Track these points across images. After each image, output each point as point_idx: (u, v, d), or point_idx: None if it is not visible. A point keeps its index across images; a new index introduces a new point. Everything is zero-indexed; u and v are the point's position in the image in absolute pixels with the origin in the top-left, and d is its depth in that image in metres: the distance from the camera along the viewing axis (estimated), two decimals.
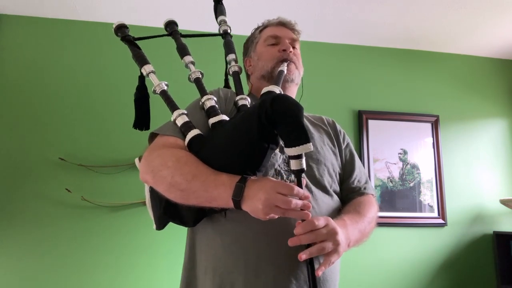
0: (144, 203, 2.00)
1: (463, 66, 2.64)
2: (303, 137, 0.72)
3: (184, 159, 0.81)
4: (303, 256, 0.75)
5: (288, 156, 0.75)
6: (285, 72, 0.99)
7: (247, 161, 0.78)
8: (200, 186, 0.76)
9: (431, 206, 2.38)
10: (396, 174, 2.39)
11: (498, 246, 2.34)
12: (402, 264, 2.26)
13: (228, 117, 0.90)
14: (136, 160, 0.92)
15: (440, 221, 2.35)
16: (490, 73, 2.66)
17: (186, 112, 0.90)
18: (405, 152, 2.43)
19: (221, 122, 0.87)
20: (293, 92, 1.07)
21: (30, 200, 1.98)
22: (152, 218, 0.93)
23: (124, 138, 2.07)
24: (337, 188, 1.00)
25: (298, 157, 0.74)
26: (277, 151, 0.90)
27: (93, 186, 2.03)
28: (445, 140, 2.49)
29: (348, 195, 1.02)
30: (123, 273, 1.98)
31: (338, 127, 1.12)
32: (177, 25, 1.07)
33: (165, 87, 0.95)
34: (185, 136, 0.86)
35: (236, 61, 1.05)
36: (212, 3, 1.15)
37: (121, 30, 1.02)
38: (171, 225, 0.93)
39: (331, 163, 1.00)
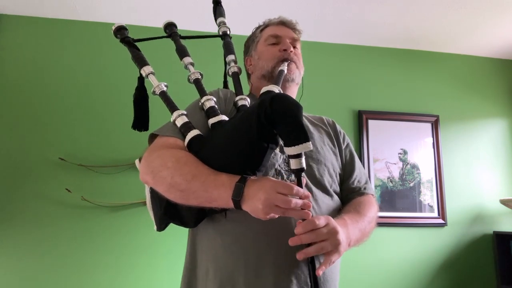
0: (144, 203, 2.00)
1: (463, 66, 2.64)
2: (302, 136, 0.72)
3: (184, 159, 0.81)
4: (300, 255, 0.75)
5: (288, 155, 0.75)
6: (286, 71, 0.99)
7: (247, 161, 0.78)
8: (200, 187, 0.76)
9: (431, 206, 2.38)
10: (396, 174, 2.39)
11: (498, 246, 2.34)
12: (402, 264, 2.26)
13: (228, 117, 0.90)
14: (137, 161, 0.92)
15: (440, 221, 2.35)
16: (490, 73, 2.66)
17: (185, 112, 0.91)
18: (405, 152, 2.43)
19: (220, 122, 0.87)
20: (293, 91, 1.07)
21: (30, 200, 1.98)
22: (153, 219, 0.93)
23: (124, 138, 2.07)
24: (337, 188, 1.00)
25: (298, 156, 0.74)
26: (277, 151, 0.90)
27: (93, 186, 2.03)
28: (445, 140, 2.49)
29: (348, 195, 1.02)
30: (123, 273, 1.98)
31: (338, 127, 1.12)
32: (176, 27, 1.07)
33: (165, 88, 0.95)
34: (184, 137, 0.86)
35: (235, 62, 1.05)
36: (212, 4, 1.15)
37: (120, 31, 1.02)
38: (171, 225, 0.93)
39: (331, 163, 1.00)
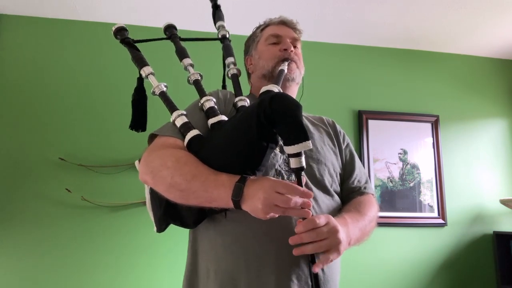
0: (144, 203, 2.00)
1: (463, 66, 2.64)
2: (302, 135, 0.72)
3: (184, 159, 0.81)
4: (297, 251, 0.76)
5: (288, 154, 0.75)
6: (286, 71, 0.99)
7: (246, 160, 0.78)
8: (200, 186, 0.76)
9: (431, 206, 2.38)
10: (396, 174, 2.39)
11: (498, 246, 2.34)
12: (402, 264, 2.26)
13: (228, 118, 0.90)
14: (136, 162, 0.92)
15: (440, 221, 2.35)
16: (490, 73, 2.66)
17: (185, 113, 0.90)
18: (405, 152, 2.43)
19: (220, 122, 0.87)
20: (293, 91, 1.07)
21: (30, 200, 1.98)
22: (153, 220, 0.93)
23: (124, 138, 2.07)
24: (338, 188, 1.00)
25: (298, 155, 0.73)
26: (277, 151, 0.90)
27: (93, 186, 2.03)
28: (445, 140, 2.49)
29: (348, 195, 1.02)
30: (123, 273, 1.98)
31: (338, 127, 1.12)
32: (176, 29, 1.07)
33: (164, 89, 0.95)
34: (184, 137, 0.86)
35: (235, 64, 1.05)
36: (211, 8, 1.16)
37: (120, 32, 1.02)
38: (171, 225, 0.93)
39: (331, 163, 1.00)
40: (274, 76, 1.00)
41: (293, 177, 0.88)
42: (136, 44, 1.02)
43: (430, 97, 2.55)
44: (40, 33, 2.19)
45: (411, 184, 2.39)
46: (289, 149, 0.73)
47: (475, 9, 2.12)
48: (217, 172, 0.77)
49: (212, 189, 0.75)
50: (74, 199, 2.00)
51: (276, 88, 0.90)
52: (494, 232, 2.37)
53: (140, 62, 0.98)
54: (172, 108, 0.91)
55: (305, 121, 1.06)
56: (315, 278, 0.77)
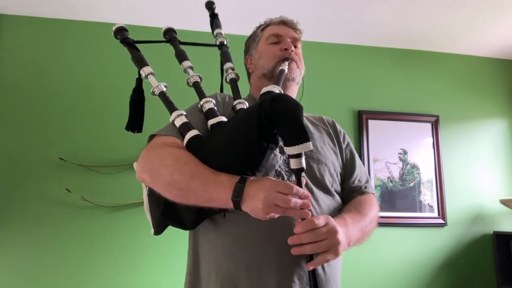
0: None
1: (463, 66, 2.64)
2: (302, 136, 0.72)
3: (184, 158, 0.80)
4: (296, 251, 0.76)
5: (288, 155, 0.75)
6: (286, 71, 0.99)
7: (246, 161, 0.78)
8: (200, 186, 0.76)
9: (431, 206, 2.38)
10: (396, 174, 2.39)
11: (498, 246, 2.34)
12: (402, 264, 2.26)
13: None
14: (135, 164, 0.92)
15: (440, 221, 2.35)
16: (490, 73, 2.66)
17: (184, 113, 0.90)
18: (405, 152, 2.43)
19: (220, 123, 0.87)
20: (294, 91, 1.07)
21: (30, 200, 1.98)
22: (150, 222, 0.93)
23: (124, 138, 2.06)
24: (338, 188, 1.00)
25: (298, 156, 0.74)
26: (277, 152, 0.90)
27: (93, 186, 2.03)
28: (445, 140, 2.49)
29: (349, 195, 1.02)
30: (123, 273, 1.98)
31: (338, 127, 1.12)
32: (175, 32, 1.08)
33: (164, 89, 0.95)
34: (183, 137, 0.86)
35: (233, 69, 1.05)
36: (209, 17, 1.16)
37: (120, 32, 1.02)
38: (171, 226, 0.93)
39: (331, 163, 0.99)
40: (275, 75, 1.00)
41: (293, 177, 0.88)
42: (136, 45, 1.02)
43: (430, 97, 2.55)
44: (40, 33, 2.19)
45: (411, 184, 2.39)
46: (290, 150, 0.73)
47: (475, 9, 2.12)
48: (217, 172, 0.77)
49: (212, 189, 0.75)
50: (74, 199, 2.00)
51: (277, 89, 0.90)
52: (494, 232, 2.37)
53: (140, 62, 0.98)
54: (171, 108, 0.91)
55: (305, 121, 1.06)
56: (312, 277, 0.77)
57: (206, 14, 1.18)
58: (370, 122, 2.42)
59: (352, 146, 1.11)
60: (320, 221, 0.76)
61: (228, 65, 1.06)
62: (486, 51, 2.62)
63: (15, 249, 1.93)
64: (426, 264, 2.28)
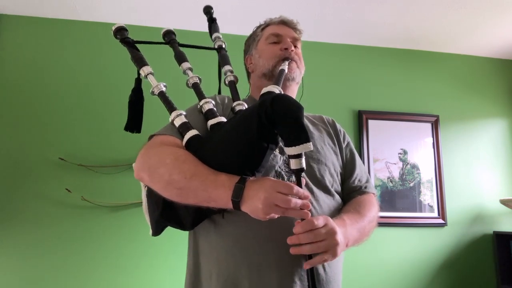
0: None
1: (463, 66, 2.64)
2: (303, 137, 0.72)
3: (183, 157, 0.80)
4: (294, 250, 0.76)
5: (288, 155, 0.75)
6: (286, 71, 0.99)
7: (246, 161, 0.78)
8: (199, 186, 0.75)
9: (431, 206, 2.38)
10: (396, 174, 2.39)
11: (498, 246, 2.34)
12: (402, 264, 2.26)
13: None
14: (134, 164, 0.92)
15: (440, 221, 2.35)
16: (490, 73, 2.66)
17: (184, 113, 0.90)
18: (405, 152, 2.43)
19: (219, 123, 0.87)
20: (293, 91, 1.07)
21: (30, 200, 1.98)
22: (149, 223, 0.93)
23: (124, 138, 2.05)
24: (339, 188, 1.00)
25: (298, 156, 0.74)
26: (277, 152, 0.90)
27: (93, 186, 2.03)
28: (445, 140, 2.49)
29: (349, 194, 1.02)
30: (123, 273, 1.98)
31: (338, 126, 1.12)
32: (174, 34, 1.08)
33: (164, 88, 0.95)
34: (183, 136, 0.86)
35: (232, 71, 1.05)
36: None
37: (120, 32, 1.02)
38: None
39: (332, 162, 0.99)
40: (274, 75, 1.00)
41: (293, 178, 0.88)
42: (136, 46, 1.02)
43: (430, 97, 2.55)
44: (40, 33, 2.19)
45: (411, 184, 2.39)
46: (290, 150, 0.73)
47: (475, 9, 2.12)
48: (217, 172, 0.77)
49: (212, 189, 0.75)
50: (74, 199, 2.00)
51: (277, 89, 0.90)
52: (494, 232, 2.37)
53: (139, 61, 0.98)
54: (171, 108, 0.91)
55: (305, 121, 1.05)
56: (311, 276, 0.77)
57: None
58: (370, 122, 2.42)
59: (352, 145, 1.11)
60: (319, 221, 0.77)
61: (227, 67, 1.06)
62: (486, 51, 2.62)
63: (15, 249, 1.93)
64: (426, 264, 2.28)
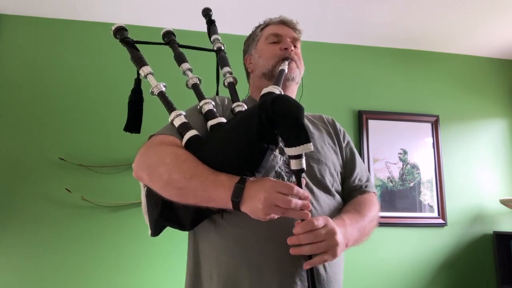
0: None
1: (463, 66, 2.64)
2: (303, 137, 0.72)
3: (183, 157, 0.80)
4: (294, 251, 0.76)
5: (288, 156, 0.75)
6: (286, 71, 0.99)
7: (246, 161, 0.77)
8: (199, 186, 0.75)
9: (431, 206, 2.38)
10: (396, 174, 2.39)
11: (498, 246, 2.34)
12: (402, 264, 2.26)
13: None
14: (133, 165, 0.92)
15: (440, 221, 2.35)
16: (490, 73, 2.66)
17: (184, 113, 0.90)
18: (405, 152, 2.43)
19: (219, 124, 0.87)
20: (293, 90, 1.07)
21: (30, 200, 1.98)
22: (148, 223, 0.93)
23: (124, 138, 2.04)
24: (339, 188, 1.00)
25: (298, 157, 0.73)
26: (277, 153, 0.90)
27: (93, 186, 2.03)
28: (445, 140, 2.49)
29: (350, 194, 1.02)
30: (123, 273, 1.98)
31: (338, 125, 1.12)
32: (174, 35, 1.08)
33: (163, 89, 0.95)
34: (182, 137, 0.86)
35: (231, 73, 1.05)
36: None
37: (120, 32, 1.02)
38: None
39: (332, 162, 0.99)
40: (274, 75, 1.00)
41: (293, 178, 0.88)
42: (136, 45, 1.02)
43: (430, 97, 2.55)
44: (40, 33, 2.19)
45: (411, 184, 2.39)
46: (290, 151, 0.73)
47: (475, 9, 2.12)
48: (216, 172, 0.77)
49: (212, 189, 0.75)
50: (74, 199, 2.00)
51: (277, 90, 0.89)
52: (494, 232, 2.37)
53: (139, 61, 0.98)
54: (170, 108, 0.91)
55: (305, 121, 1.05)
56: (310, 276, 0.77)
57: None
58: (370, 122, 2.42)
59: (352, 144, 1.11)
60: (319, 222, 0.76)
61: (226, 69, 1.06)
62: (486, 51, 2.61)
63: (15, 249, 1.93)
64: (426, 264, 2.28)
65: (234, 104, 0.95)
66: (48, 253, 1.94)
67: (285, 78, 0.99)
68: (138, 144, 0.91)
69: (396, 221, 2.29)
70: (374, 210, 0.98)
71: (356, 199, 0.99)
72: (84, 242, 1.98)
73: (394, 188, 2.37)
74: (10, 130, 2.05)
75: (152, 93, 0.95)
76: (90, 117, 2.13)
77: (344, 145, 1.08)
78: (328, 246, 0.76)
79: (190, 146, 0.83)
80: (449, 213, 2.37)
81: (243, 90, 1.10)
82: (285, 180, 0.88)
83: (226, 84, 1.04)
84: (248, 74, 1.15)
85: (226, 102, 1.01)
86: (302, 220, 0.76)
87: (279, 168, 0.89)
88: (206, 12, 1.17)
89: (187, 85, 0.99)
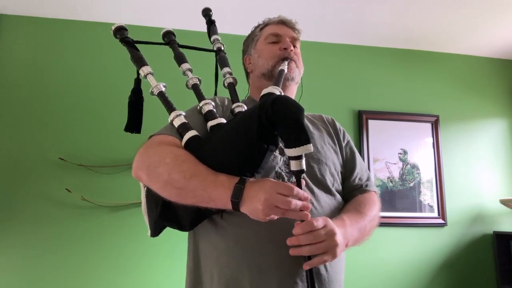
0: None
1: (463, 66, 2.64)
2: (303, 138, 0.72)
3: (183, 157, 0.80)
4: (294, 252, 0.76)
5: (288, 157, 0.75)
6: (286, 71, 0.99)
7: (245, 161, 0.77)
8: (199, 186, 0.75)
9: (431, 206, 2.38)
10: (396, 174, 2.39)
11: (498, 246, 2.34)
12: (402, 264, 2.26)
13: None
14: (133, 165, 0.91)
15: (440, 221, 2.35)
16: (490, 73, 2.66)
17: (184, 113, 0.90)
18: (405, 152, 2.43)
19: (219, 124, 0.87)
20: (293, 90, 1.07)
21: (30, 200, 1.98)
22: (147, 224, 0.93)
23: (124, 138, 2.04)
24: (339, 187, 1.00)
25: (298, 158, 0.73)
26: (277, 153, 0.90)
27: (93, 186, 2.03)
28: (445, 140, 2.49)
29: (350, 193, 1.02)
30: (123, 273, 1.98)
31: (338, 125, 1.12)
32: (174, 35, 1.08)
33: (163, 89, 0.95)
34: (182, 137, 0.86)
35: (231, 73, 1.05)
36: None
37: (119, 32, 1.02)
38: None
39: (332, 162, 0.99)
40: (274, 75, 1.00)
41: (293, 179, 0.88)
42: (136, 45, 1.02)
43: (430, 97, 2.55)
44: (40, 33, 2.19)
45: (411, 184, 2.39)
46: (290, 152, 0.73)
47: (475, 9, 2.12)
48: (216, 173, 0.77)
49: (211, 189, 0.74)
50: (74, 199, 2.00)
51: (277, 90, 0.89)
52: (494, 232, 2.37)
53: (139, 61, 0.98)
54: (170, 108, 0.91)
55: (305, 121, 1.05)
56: (310, 277, 0.77)
57: None
58: (370, 122, 2.42)
59: (352, 143, 1.11)
60: (319, 223, 0.76)
61: (226, 70, 1.06)
62: (486, 51, 2.61)
63: (15, 249, 1.93)
64: (426, 264, 2.28)
65: (234, 105, 0.95)
66: (48, 253, 1.94)
67: (284, 78, 0.99)
68: (138, 144, 0.91)
69: (396, 221, 2.29)
70: (374, 209, 0.98)
71: (356, 199, 0.99)
72: (84, 242, 1.98)
73: (394, 188, 2.37)
74: (10, 130, 2.05)
75: (152, 93, 0.95)
76: (90, 117, 2.13)
77: (344, 144, 1.08)
78: (327, 246, 0.76)
79: (190, 146, 0.83)
80: (449, 213, 2.37)
81: (243, 90, 1.10)
82: (286, 180, 0.88)
83: (226, 84, 1.04)
84: (247, 74, 1.15)
85: (226, 102, 1.01)
86: (302, 221, 0.76)
87: (279, 168, 0.89)
88: (206, 12, 1.17)
89: (187, 85, 0.99)
